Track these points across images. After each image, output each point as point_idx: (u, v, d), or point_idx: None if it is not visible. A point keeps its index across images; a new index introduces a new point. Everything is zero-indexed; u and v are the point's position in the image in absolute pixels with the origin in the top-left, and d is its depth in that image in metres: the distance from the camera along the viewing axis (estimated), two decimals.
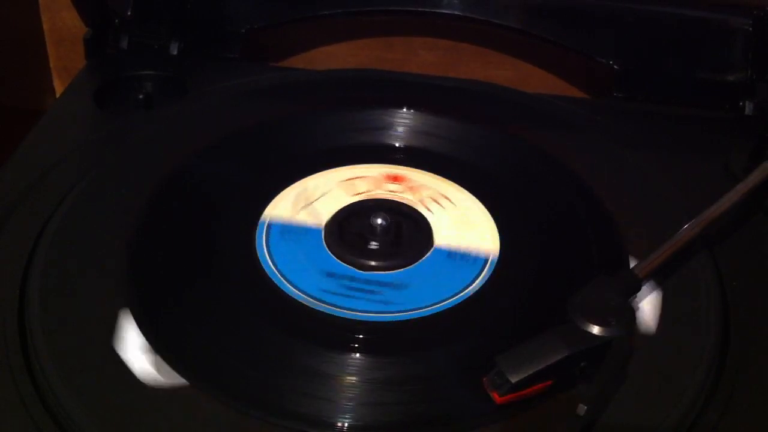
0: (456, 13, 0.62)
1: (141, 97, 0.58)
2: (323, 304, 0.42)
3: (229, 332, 0.41)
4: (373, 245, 0.46)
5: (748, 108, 0.58)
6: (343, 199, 0.49)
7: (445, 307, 0.43)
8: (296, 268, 0.44)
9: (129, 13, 0.63)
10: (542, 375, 0.36)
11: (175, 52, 0.62)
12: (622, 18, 0.61)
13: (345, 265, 0.45)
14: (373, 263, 0.45)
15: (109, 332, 0.40)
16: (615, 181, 0.50)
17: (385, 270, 0.45)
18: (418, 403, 0.38)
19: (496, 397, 0.36)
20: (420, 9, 0.63)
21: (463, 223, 0.47)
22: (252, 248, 0.46)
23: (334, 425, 0.36)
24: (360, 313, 0.42)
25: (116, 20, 0.63)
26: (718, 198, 0.44)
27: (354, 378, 0.39)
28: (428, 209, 0.48)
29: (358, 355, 0.40)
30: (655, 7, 0.60)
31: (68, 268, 0.43)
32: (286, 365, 0.39)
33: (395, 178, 0.50)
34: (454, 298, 0.43)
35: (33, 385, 0.38)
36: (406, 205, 0.49)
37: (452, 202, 0.49)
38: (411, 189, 0.49)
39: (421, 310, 0.42)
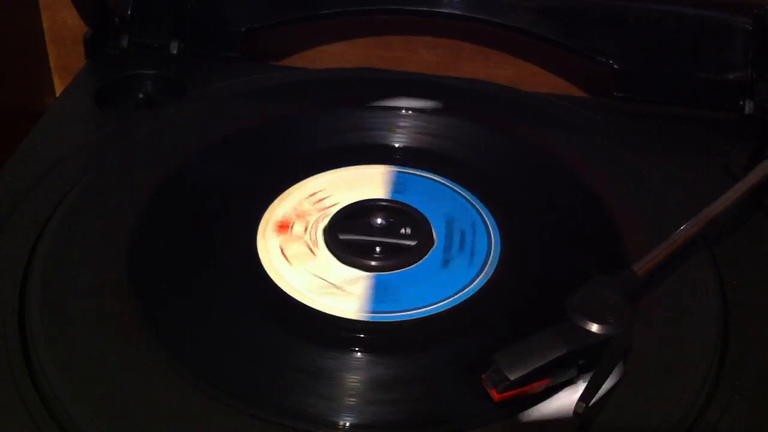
0: (456, 12, 0.62)
1: (141, 97, 0.58)
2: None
3: (230, 332, 0.41)
4: (374, 244, 0.46)
5: (748, 108, 0.58)
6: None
7: (445, 307, 0.43)
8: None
9: (129, 13, 0.63)
10: (540, 373, 0.36)
11: (175, 52, 0.62)
12: (622, 18, 0.61)
13: (344, 265, 0.45)
14: (372, 263, 0.45)
15: (109, 332, 0.40)
16: (615, 180, 0.50)
17: (384, 270, 0.45)
18: (418, 402, 0.38)
19: (494, 394, 0.36)
20: (420, 8, 0.63)
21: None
22: (252, 248, 0.46)
23: (334, 425, 0.36)
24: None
25: (116, 20, 0.63)
26: (718, 197, 0.44)
27: (353, 377, 0.39)
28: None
29: (358, 354, 0.40)
30: (655, 7, 0.60)
31: (68, 268, 0.43)
32: (286, 365, 0.39)
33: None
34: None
35: (33, 386, 0.38)
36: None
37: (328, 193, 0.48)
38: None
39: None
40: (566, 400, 0.37)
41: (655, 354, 0.39)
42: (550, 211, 0.49)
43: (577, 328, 0.37)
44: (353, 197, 0.49)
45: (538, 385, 0.37)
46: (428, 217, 0.48)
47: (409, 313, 0.42)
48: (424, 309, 0.42)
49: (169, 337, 0.40)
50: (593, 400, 0.36)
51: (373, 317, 0.42)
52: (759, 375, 0.39)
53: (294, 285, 0.44)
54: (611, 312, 0.38)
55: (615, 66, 0.60)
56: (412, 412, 0.37)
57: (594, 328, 0.37)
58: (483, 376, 0.37)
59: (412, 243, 0.46)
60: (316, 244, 0.47)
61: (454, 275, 0.44)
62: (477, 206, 0.49)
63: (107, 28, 0.63)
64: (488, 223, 0.48)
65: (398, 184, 0.50)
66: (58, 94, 0.70)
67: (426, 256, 0.46)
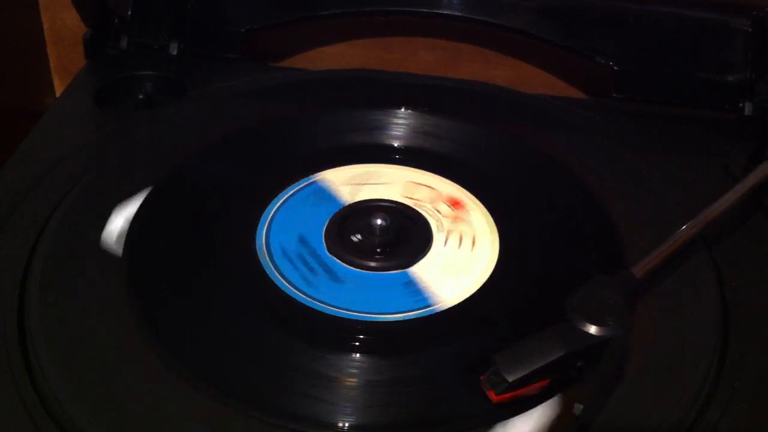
0: (456, 13, 0.62)
1: (141, 97, 0.58)
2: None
3: (229, 332, 0.41)
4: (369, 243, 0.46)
5: (748, 108, 0.58)
6: (395, 196, 0.49)
7: (445, 308, 0.43)
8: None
9: (129, 14, 0.63)
10: (539, 374, 0.36)
11: (175, 53, 0.62)
12: (621, 18, 0.61)
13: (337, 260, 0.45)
14: (364, 262, 0.45)
15: (108, 332, 0.40)
16: (614, 181, 0.50)
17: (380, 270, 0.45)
18: (417, 403, 0.38)
19: (492, 395, 0.36)
20: (420, 9, 0.63)
21: (452, 271, 0.45)
22: (252, 248, 0.46)
23: (334, 425, 0.36)
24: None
25: (116, 20, 0.63)
26: (718, 198, 0.44)
27: (353, 378, 0.39)
28: (448, 239, 0.47)
29: (357, 355, 0.40)
30: (655, 8, 0.60)
31: (68, 268, 0.43)
32: (286, 365, 0.39)
33: (455, 203, 0.48)
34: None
35: (33, 386, 0.38)
36: (412, 208, 0.49)
37: (473, 248, 0.46)
38: (458, 218, 0.48)
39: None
40: (565, 401, 0.37)
41: (655, 354, 0.39)
42: (549, 212, 0.49)
43: (576, 329, 0.37)
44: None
45: (537, 387, 0.37)
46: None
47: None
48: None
49: (169, 337, 0.40)
50: (592, 402, 0.36)
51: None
52: (759, 375, 0.39)
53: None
54: (610, 313, 0.38)
55: (615, 67, 0.60)
56: (411, 413, 0.37)
57: (593, 329, 0.37)
58: (482, 377, 0.37)
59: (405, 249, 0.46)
60: None
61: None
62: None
63: (107, 29, 0.63)
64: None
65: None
66: (58, 95, 0.71)
67: (391, 272, 0.45)
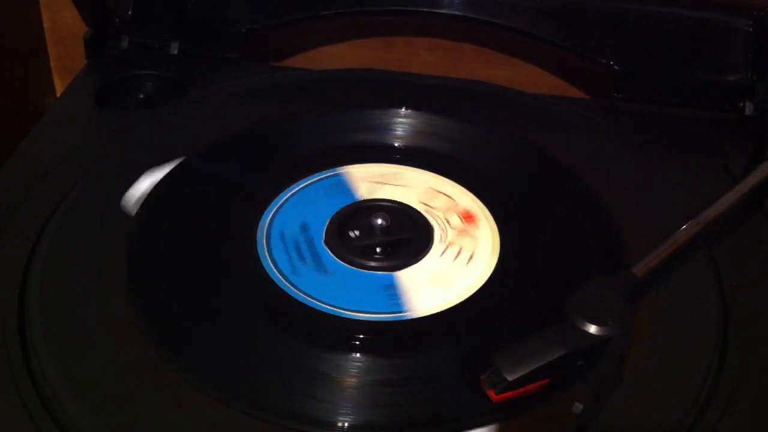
0: (456, 13, 0.62)
1: (141, 97, 0.58)
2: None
3: (230, 332, 0.41)
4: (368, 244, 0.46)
5: (748, 109, 0.58)
6: (410, 200, 0.49)
7: (445, 308, 0.43)
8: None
9: (129, 13, 0.63)
10: (539, 373, 0.36)
11: (175, 52, 0.62)
12: (622, 19, 0.61)
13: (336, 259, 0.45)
14: (354, 258, 0.45)
15: (108, 332, 0.40)
16: (615, 181, 0.50)
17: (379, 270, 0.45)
18: (417, 402, 0.38)
19: (492, 395, 0.36)
20: (420, 9, 0.63)
21: (437, 283, 0.44)
22: (252, 248, 0.46)
23: (333, 425, 0.36)
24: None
25: (116, 20, 0.63)
26: (718, 198, 0.44)
27: (353, 378, 0.39)
28: (446, 251, 0.46)
29: (357, 355, 0.40)
30: (655, 8, 0.60)
31: (68, 268, 0.43)
32: (286, 365, 0.39)
33: (468, 217, 0.48)
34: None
35: (33, 385, 0.38)
36: (422, 215, 0.48)
37: (467, 263, 0.45)
38: (465, 232, 0.47)
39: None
40: (565, 400, 0.37)
41: (655, 354, 0.39)
42: (550, 211, 0.49)
43: (576, 329, 0.37)
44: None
45: (537, 386, 0.37)
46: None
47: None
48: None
49: (169, 337, 0.40)
50: (592, 401, 0.36)
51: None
52: (759, 375, 0.39)
53: None
54: (610, 313, 0.38)
55: (615, 67, 0.60)
56: (411, 413, 0.37)
57: (593, 329, 0.37)
58: (482, 377, 0.37)
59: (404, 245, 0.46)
60: None
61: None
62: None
63: (107, 29, 0.63)
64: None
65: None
66: (58, 94, 0.71)
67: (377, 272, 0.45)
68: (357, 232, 0.47)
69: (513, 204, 0.49)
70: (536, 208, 0.49)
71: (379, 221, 0.47)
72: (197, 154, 0.51)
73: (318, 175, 0.51)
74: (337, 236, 0.46)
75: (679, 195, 0.49)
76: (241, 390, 0.38)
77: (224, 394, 0.37)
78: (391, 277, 0.44)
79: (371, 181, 0.51)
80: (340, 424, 0.36)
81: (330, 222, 0.47)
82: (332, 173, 0.51)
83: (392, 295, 0.43)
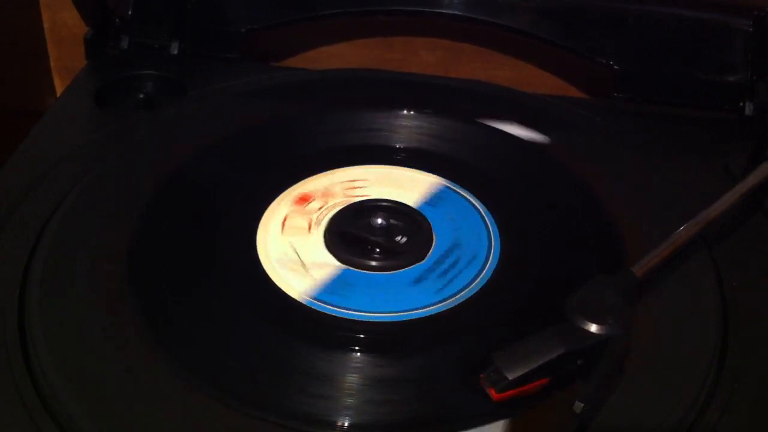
0: (457, 13, 0.62)
1: (141, 97, 0.58)
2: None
3: (230, 332, 0.41)
4: (366, 242, 0.46)
5: (748, 109, 0.58)
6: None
7: (445, 308, 0.43)
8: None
9: (129, 13, 0.63)
10: (539, 372, 0.36)
11: (175, 53, 0.62)
12: (622, 19, 0.61)
13: (327, 251, 0.46)
14: (346, 256, 0.45)
15: (108, 332, 0.40)
16: (615, 181, 0.50)
17: (355, 267, 0.45)
18: (417, 402, 0.38)
19: (493, 394, 0.36)
20: (421, 9, 0.63)
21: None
22: (252, 248, 0.46)
23: (333, 425, 0.36)
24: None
25: (116, 20, 0.63)
26: (718, 198, 0.44)
27: (353, 378, 0.39)
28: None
29: (357, 355, 0.40)
30: (655, 8, 0.60)
31: (68, 268, 0.43)
32: (286, 365, 0.39)
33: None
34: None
35: (33, 385, 0.37)
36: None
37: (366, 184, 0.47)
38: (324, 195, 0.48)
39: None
40: (565, 400, 0.37)
41: (655, 354, 0.39)
42: (550, 212, 0.49)
43: (576, 328, 0.37)
44: (385, 195, 0.49)
45: (537, 385, 0.37)
46: (436, 235, 0.47)
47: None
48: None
49: (169, 337, 0.40)
50: (592, 400, 0.36)
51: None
52: (759, 375, 0.39)
53: (267, 250, 0.45)
54: (610, 312, 0.38)
55: (615, 67, 0.60)
56: (411, 413, 0.37)
57: (593, 328, 0.37)
58: (482, 375, 0.37)
59: (400, 252, 0.46)
60: (317, 223, 0.47)
61: (416, 295, 0.43)
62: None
63: (107, 29, 0.63)
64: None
65: (436, 197, 0.50)
66: (58, 94, 0.71)
67: (403, 269, 0.45)
68: (357, 231, 0.47)
69: (513, 204, 0.49)
70: (536, 208, 0.49)
71: (379, 221, 0.47)
72: (197, 154, 0.52)
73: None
74: (335, 232, 0.46)
75: (679, 195, 0.49)
76: (240, 390, 0.38)
77: (224, 394, 0.37)
78: (390, 277, 0.44)
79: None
80: (340, 424, 0.36)
81: (339, 212, 0.47)
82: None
83: (390, 294, 0.43)
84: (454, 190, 0.50)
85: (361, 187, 0.50)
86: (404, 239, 0.47)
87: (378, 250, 0.46)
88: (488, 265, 0.45)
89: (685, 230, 0.43)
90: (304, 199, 0.49)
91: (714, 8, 0.59)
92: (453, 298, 0.43)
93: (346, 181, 0.51)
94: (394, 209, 0.48)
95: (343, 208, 0.48)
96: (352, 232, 0.47)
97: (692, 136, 0.56)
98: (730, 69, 0.60)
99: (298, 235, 0.46)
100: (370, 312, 0.42)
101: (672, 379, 0.38)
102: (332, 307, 0.42)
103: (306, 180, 0.50)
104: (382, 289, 0.44)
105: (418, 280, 0.44)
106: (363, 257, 0.45)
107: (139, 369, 0.38)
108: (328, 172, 0.51)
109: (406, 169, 0.52)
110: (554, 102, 0.59)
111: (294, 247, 0.46)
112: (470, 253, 0.46)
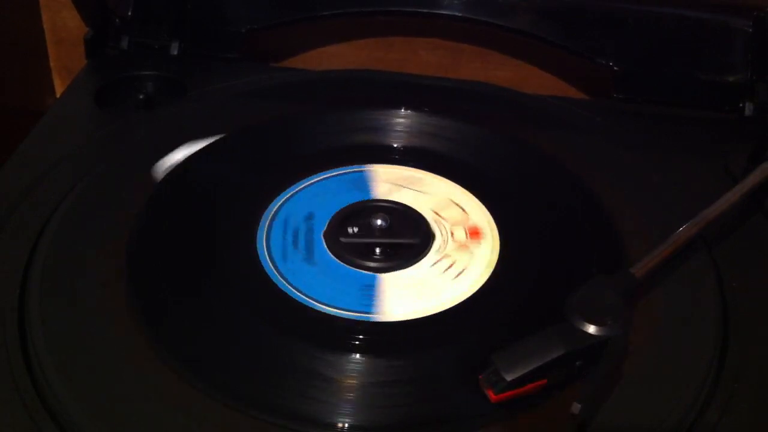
0: (457, 14, 0.62)
1: (141, 97, 0.58)
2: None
3: (230, 332, 0.41)
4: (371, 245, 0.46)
5: (748, 109, 0.58)
6: (423, 206, 0.49)
7: (445, 308, 0.43)
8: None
9: (129, 14, 0.63)
10: (538, 373, 0.36)
11: (175, 53, 0.62)
12: (622, 19, 0.61)
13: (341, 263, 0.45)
14: (370, 264, 0.45)
15: (108, 332, 0.40)
16: (614, 181, 0.50)
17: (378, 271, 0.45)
18: (416, 402, 0.38)
19: (491, 395, 0.36)
20: (420, 9, 0.63)
21: (416, 291, 0.44)
22: (252, 248, 0.46)
23: (333, 425, 0.36)
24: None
25: (116, 20, 0.63)
26: (718, 198, 0.44)
27: (353, 378, 0.39)
28: (439, 262, 0.46)
29: (357, 355, 0.40)
30: (655, 9, 0.60)
31: (68, 268, 0.43)
32: (286, 365, 0.39)
33: (474, 233, 0.47)
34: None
35: (33, 386, 0.37)
36: (429, 224, 0.48)
37: (454, 279, 0.44)
38: (464, 247, 0.46)
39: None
40: (564, 400, 0.36)
41: (655, 354, 0.39)
42: (549, 212, 0.49)
43: (576, 329, 0.37)
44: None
45: (536, 386, 0.37)
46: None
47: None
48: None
49: (169, 337, 0.40)
50: (591, 401, 0.36)
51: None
52: (759, 375, 0.39)
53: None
54: (609, 313, 0.38)
55: (615, 67, 0.60)
56: (410, 413, 0.37)
57: (592, 329, 0.37)
58: (481, 376, 0.37)
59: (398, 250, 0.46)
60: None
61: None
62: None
63: (107, 29, 0.63)
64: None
65: None
66: (58, 94, 0.71)
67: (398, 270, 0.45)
68: (356, 230, 0.47)
69: (513, 204, 0.49)
70: (536, 208, 0.49)
71: (379, 222, 0.47)
72: (197, 154, 0.52)
73: (342, 169, 0.52)
74: (335, 230, 0.47)
75: (679, 195, 0.49)
76: (240, 390, 0.38)
77: (224, 394, 0.37)
78: (373, 278, 0.44)
79: (392, 183, 0.51)
80: (339, 425, 0.36)
81: (335, 216, 0.47)
82: (357, 169, 0.52)
83: (368, 295, 0.43)
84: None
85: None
86: (401, 242, 0.47)
87: (378, 249, 0.46)
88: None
89: (685, 230, 0.43)
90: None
91: (714, 8, 0.59)
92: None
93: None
94: (398, 211, 0.48)
95: (351, 205, 0.49)
96: (352, 230, 0.47)
97: (692, 136, 0.56)
98: (730, 69, 0.60)
99: None
100: (312, 298, 0.43)
101: (672, 379, 0.38)
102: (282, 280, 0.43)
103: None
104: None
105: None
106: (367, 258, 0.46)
107: (139, 369, 0.38)
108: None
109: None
110: (554, 102, 0.59)
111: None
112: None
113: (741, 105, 0.59)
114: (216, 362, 0.39)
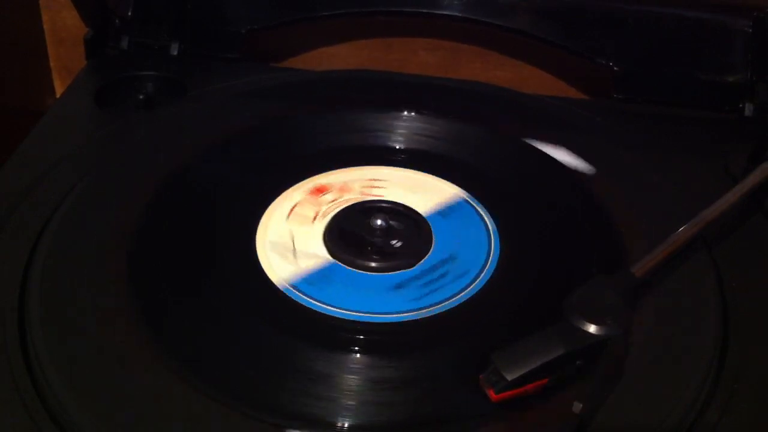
0: (456, 14, 0.62)
1: (141, 97, 0.58)
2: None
3: (230, 332, 0.41)
4: (367, 244, 0.46)
5: (748, 109, 0.58)
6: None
7: (445, 308, 0.43)
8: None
9: (129, 14, 0.63)
10: (538, 373, 0.36)
11: (175, 53, 0.62)
12: (621, 19, 0.61)
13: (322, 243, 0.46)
14: (337, 252, 0.45)
15: (108, 332, 0.40)
16: (614, 181, 0.50)
17: (344, 263, 0.45)
18: (416, 402, 0.38)
19: (491, 394, 0.36)
20: (420, 10, 0.63)
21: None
22: (252, 248, 0.46)
23: (333, 425, 0.36)
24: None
25: (116, 20, 0.63)
26: (718, 198, 0.44)
27: (353, 378, 0.39)
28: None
29: (357, 355, 0.40)
30: (655, 9, 0.60)
31: (68, 268, 0.43)
32: (285, 365, 0.39)
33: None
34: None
35: (33, 386, 0.37)
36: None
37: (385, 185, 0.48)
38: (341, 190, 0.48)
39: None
40: (564, 400, 0.37)
41: (655, 354, 0.39)
42: (549, 212, 0.49)
43: (576, 328, 0.37)
44: (401, 198, 0.49)
45: (536, 386, 0.37)
46: (434, 246, 0.47)
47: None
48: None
49: (169, 337, 0.40)
50: (591, 401, 0.36)
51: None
52: (759, 376, 0.39)
53: (267, 231, 0.46)
54: (610, 313, 0.38)
55: (615, 67, 0.60)
56: (410, 413, 0.37)
57: (592, 329, 0.37)
58: (481, 376, 0.37)
59: (392, 256, 0.46)
60: (323, 216, 0.48)
61: (392, 300, 0.43)
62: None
63: (107, 29, 0.63)
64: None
65: (450, 208, 0.49)
66: (58, 94, 0.71)
67: (389, 273, 0.45)
68: (356, 229, 0.47)
69: (513, 204, 0.49)
70: (536, 208, 0.49)
71: (379, 222, 0.47)
72: (197, 154, 0.52)
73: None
74: (335, 230, 0.47)
75: (679, 195, 0.49)
76: (240, 390, 0.38)
77: (224, 394, 0.37)
78: (374, 278, 0.44)
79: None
80: (339, 425, 0.36)
81: (334, 216, 0.47)
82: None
83: (368, 295, 0.43)
84: (472, 205, 0.49)
85: (379, 187, 0.50)
86: (399, 243, 0.46)
87: (369, 249, 0.46)
88: (488, 265, 0.45)
89: (685, 230, 0.43)
90: (320, 190, 0.49)
91: (714, 8, 0.59)
92: (426, 309, 0.43)
93: (367, 180, 0.51)
94: (402, 214, 0.48)
95: (352, 205, 0.48)
96: (351, 230, 0.47)
97: (692, 136, 0.56)
98: (730, 69, 0.60)
99: (301, 224, 0.47)
100: (367, 313, 0.42)
101: (672, 379, 0.38)
102: (304, 297, 0.43)
103: (329, 173, 0.51)
104: (361, 288, 0.44)
105: (400, 286, 0.44)
106: (353, 254, 0.45)
107: (139, 369, 0.38)
108: (354, 168, 0.52)
109: (428, 175, 0.52)
110: (554, 102, 0.59)
111: (292, 236, 0.46)
112: (462, 268, 0.45)
113: (741, 105, 0.59)
114: (216, 362, 0.39)
